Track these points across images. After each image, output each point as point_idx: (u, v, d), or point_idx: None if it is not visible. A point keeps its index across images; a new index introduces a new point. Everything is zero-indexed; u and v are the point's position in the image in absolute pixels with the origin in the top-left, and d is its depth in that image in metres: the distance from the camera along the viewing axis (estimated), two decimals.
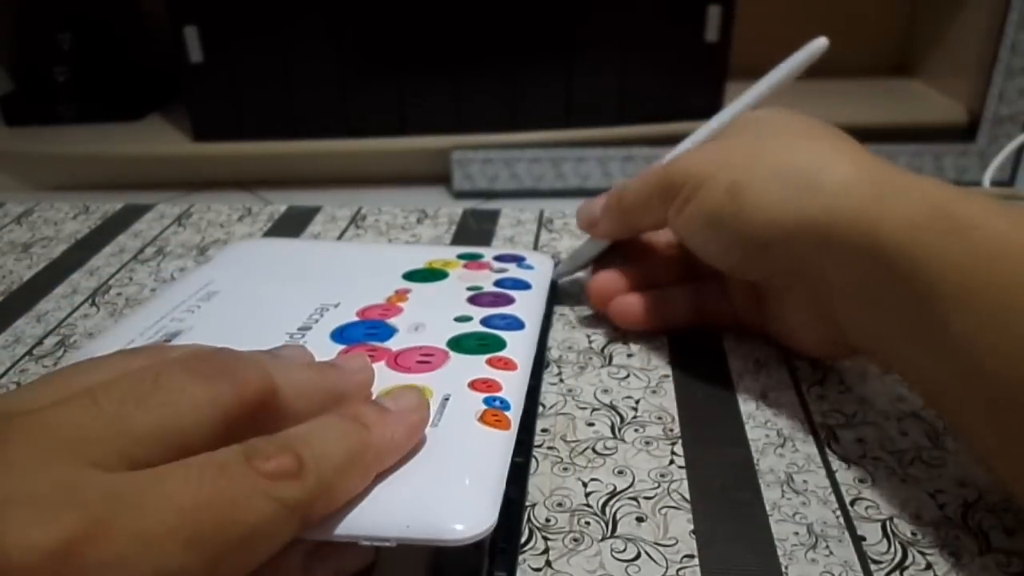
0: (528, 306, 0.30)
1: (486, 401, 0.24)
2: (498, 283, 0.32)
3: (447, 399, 0.23)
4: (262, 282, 0.33)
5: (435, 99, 1.57)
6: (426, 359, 0.26)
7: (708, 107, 1.53)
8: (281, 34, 1.52)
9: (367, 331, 0.28)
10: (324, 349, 0.26)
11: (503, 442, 0.22)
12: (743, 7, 1.52)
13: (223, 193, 1.62)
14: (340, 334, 0.27)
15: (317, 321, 0.28)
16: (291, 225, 0.46)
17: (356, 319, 0.29)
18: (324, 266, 0.34)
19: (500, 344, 0.27)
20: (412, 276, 0.33)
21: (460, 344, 0.27)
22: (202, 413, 0.17)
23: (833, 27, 1.81)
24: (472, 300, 0.31)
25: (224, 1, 1.48)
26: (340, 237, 0.45)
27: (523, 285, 0.32)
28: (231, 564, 0.16)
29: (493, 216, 0.47)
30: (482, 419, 0.23)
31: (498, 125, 1.58)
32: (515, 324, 0.29)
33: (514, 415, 0.23)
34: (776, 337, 0.32)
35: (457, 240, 0.44)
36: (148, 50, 1.74)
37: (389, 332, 0.28)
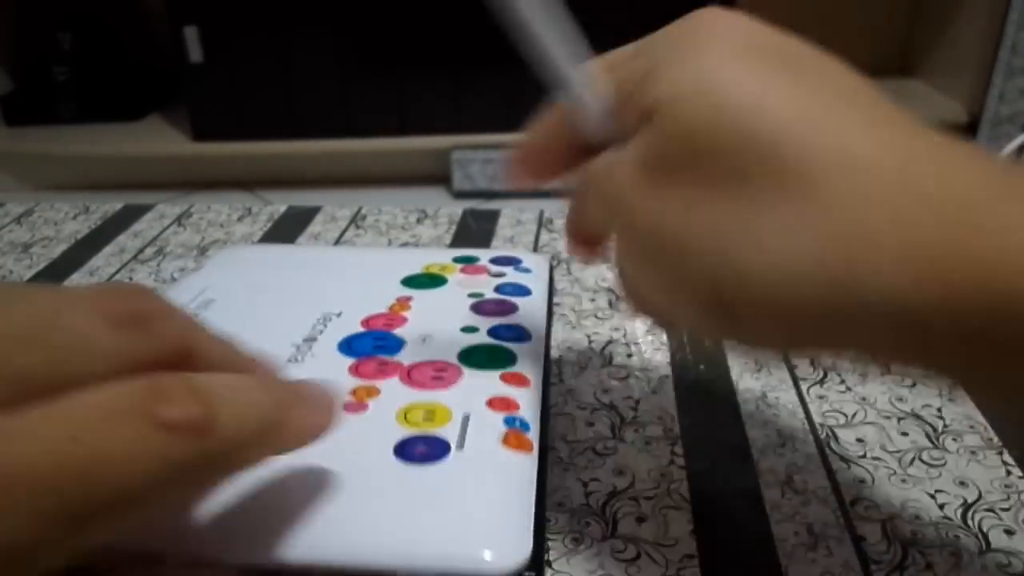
0: (531, 314, 0.30)
1: (507, 422, 0.23)
2: (498, 289, 0.32)
3: (467, 418, 0.23)
4: (258, 289, 0.32)
5: (435, 99, 1.57)
6: (439, 375, 0.26)
7: None
8: (281, 34, 1.52)
9: (375, 343, 0.28)
10: (333, 362, 0.26)
11: (528, 465, 0.22)
12: (743, 7, 1.52)
13: (223, 193, 1.62)
14: (348, 346, 0.27)
15: (322, 332, 0.28)
16: (291, 225, 0.46)
17: (361, 329, 0.28)
18: (320, 272, 0.34)
19: (511, 358, 0.27)
20: (411, 282, 0.33)
21: (471, 358, 0.27)
22: (102, 363, 0.15)
23: (833, 27, 1.81)
24: (475, 308, 0.31)
25: (224, 1, 1.48)
26: (340, 237, 0.45)
27: (523, 291, 0.32)
28: (91, 531, 0.13)
29: (493, 216, 0.47)
30: (506, 442, 0.23)
31: (498, 125, 1.58)
32: (522, 335, 0.29)
33: (534, 436, 0.23)
34: None
35: (457, 240, 0.44)
36: (148, 50, 1.75)
37: (397, 344, 0.27)
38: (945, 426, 0.28)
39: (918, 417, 0.28)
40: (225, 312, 0.30)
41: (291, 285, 0.33)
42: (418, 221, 0.47)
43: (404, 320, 0.29)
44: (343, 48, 1.53)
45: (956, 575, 0.22)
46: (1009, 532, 0.23)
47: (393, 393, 0.24)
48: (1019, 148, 0.41)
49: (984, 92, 1.50)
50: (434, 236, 0.45)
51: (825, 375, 0.31)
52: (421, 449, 0.22)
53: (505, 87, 1.55)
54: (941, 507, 0.24)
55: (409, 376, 0.25)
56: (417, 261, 0.35)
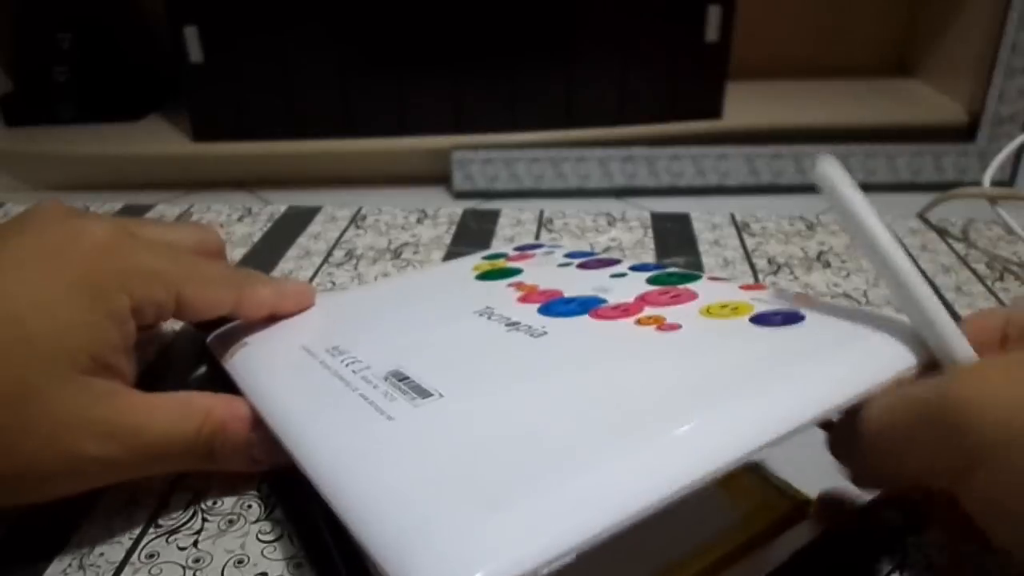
0: (630, 258, 0.31)
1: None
2: (569, 255, 0.33)
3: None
4: (380, 322, 0.29)
5: (435, 99, 1.57)
6: (675, 296, 0.26)
7: (708, 107, 1.53)
8: (281, 34, 1.52)
9: (573, 304, 0.27)
10: (566, 323, 0.25)
11: None
12: (743, 7, 1.52)
13: (223, 193, 1.62)
14: (556, 310, 0.26)
15: (509, 318, 0.26)
16: (291, 225, 0.46)
17: (533, 304, 0.27)
18: (405, 298, 0.31)
19: (691, 275, 0.28)
20: (488, 276, 0.32)
21: (669, 281, 0.27)
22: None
23: (833, 27, 1.80)
24: (584, 266, 0.31)
25: (224, 1, 1.48)
26: (340, 237, 0.45)
27: (587, 254, 0.33)
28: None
29: (493, 216, 0.47)
30: None
31: (498, 125, 1.58)
32: (656, 267, 0.29)
33: None
34: None
35: (457, 240, 0.44)
36: (148, 50, 1.74)
37: (592, 300, 0.27)
38: None
39: None
40: (387, 344, 0.26)
41: (405, 312, 0.30)
42: (418, 221, 0.47)
43: (556, 292, 0.28)
44: (343, 48, 1.53)
45: (956, 575, 0.22)
46: None
47: (668, 311, 0.24)
48: (1019, 148, 0.41)
49: (984, 92, 1.50)
50: (434, 236, 0.45)
51: None
52: (778, 318, 0.23)
53: (505, 87, 1.55)
54: None
55: (659, 302, 0.25)
56: (462, 268, 0.34)
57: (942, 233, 0.44)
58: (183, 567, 0.23)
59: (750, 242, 0.44)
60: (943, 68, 1.67)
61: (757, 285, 0.26)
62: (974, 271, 0.40)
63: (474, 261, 0.35)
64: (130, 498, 0.25)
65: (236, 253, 0.43)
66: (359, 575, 0.20)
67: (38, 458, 0.21)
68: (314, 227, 0.46)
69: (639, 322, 0.24)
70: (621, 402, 0.19)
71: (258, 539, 0.24)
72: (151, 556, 0.23)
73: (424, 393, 0.22)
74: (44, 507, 0.25)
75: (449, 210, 0.48)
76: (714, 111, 1.54)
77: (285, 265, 0.42)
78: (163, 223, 0.28)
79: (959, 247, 0.42)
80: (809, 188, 1.57)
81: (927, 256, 0.41)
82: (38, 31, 1.65)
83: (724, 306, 0.24)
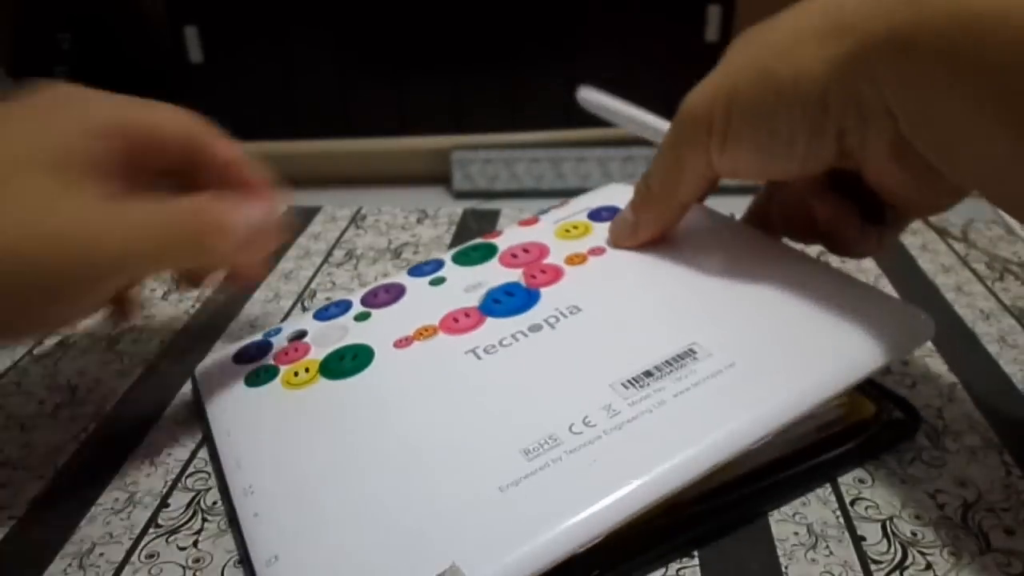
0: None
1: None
2: (333, 310, 0.32)
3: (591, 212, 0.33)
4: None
5: (435, 99, 1.57)
6: (528, 251, 0.31)
7: None
8: (281, 34, 1.52)
9: (506, 296, 0.28)
10: (501, 327, 0.27)
11: None
12: (743, 7, 1.52)
13: None
14: (497, 311, 0.27)
15: (505, 344, 0.26)
16: (291, 225, 0.46)
17: (475, 331, 0.27)
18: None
19: (486, 243, 0.32)
20: (341, 374, 0.27)
21: (470, 256, 0.31)
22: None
23: None
24: (383, 304, 0.30)
25: (224, 1, 1.48)
26: (340, 237, 0.45)
27: (344, 303, 0.32)
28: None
29: (493, 216, 0.47)
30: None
31: (498, 125, 1.58)
32: (434, 263, 0.32)
33: None
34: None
35: (457, 240, 0.44)
36: (148, 50, 1.75)
37: (516, 287, 0.29)
38: (945, 426, 0.28)
39: None
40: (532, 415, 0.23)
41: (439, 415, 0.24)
42: (418, 221, 0.47)
43: (467, 310, 0.28)
44: (343, 48, 1.53)
45: (956, 575, 0.22)
46: (1009, 532, 0.23)
47: (565, 252, 0.30)
48: None
49: None
50: (434, 236, 0.45)
51: None
52: (607, 212, 0.32)
53: (505, 87, 1.55)
54: (941, 507, 0.24)
55: (538, 255, 0.30)
56: (273, 395, 0.27)
57: (942, 233, 0.44)
58: (183, 567, 0.23)
59: None
60: None
61: (533, 219, 0.33)
62: (974, 271, 0.40)
63: (274, 385, 0.27)
64: (130, 498, 0.25)
65: None
66: None
67: None
68: (314, 227, 0.46)
69: (569, 262, 0.29)
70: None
71: None
72: (151, 556, 0.23)
73: (684, 357, 0.24)
74: (44, 507, 0.25)
75: (449, 210, 0.48)
76: None
77: (285, 265, 0.42)
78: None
79: (959, 247, 0.42)
80: None
81: (927, 256, 0.41)
82: (38, 31, 1.65)
83: (568, 230, 0.31)
